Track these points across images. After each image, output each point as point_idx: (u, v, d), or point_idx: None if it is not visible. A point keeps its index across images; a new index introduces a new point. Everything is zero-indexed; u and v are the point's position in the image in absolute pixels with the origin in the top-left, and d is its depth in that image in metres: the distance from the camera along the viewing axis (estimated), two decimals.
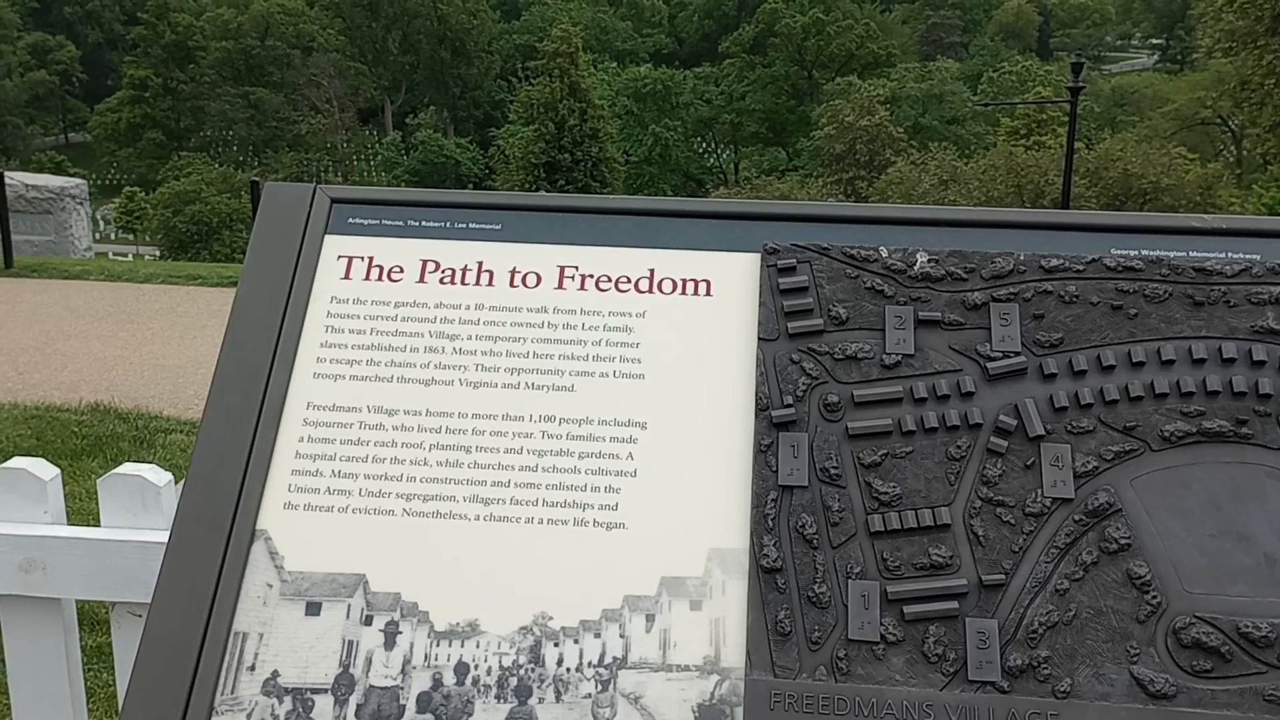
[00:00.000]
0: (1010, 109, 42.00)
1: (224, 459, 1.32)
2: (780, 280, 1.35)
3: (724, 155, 66.39)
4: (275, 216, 1.47)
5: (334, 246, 1.46)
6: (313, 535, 1.29)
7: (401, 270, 1.44)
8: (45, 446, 6.44)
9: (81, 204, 16.50)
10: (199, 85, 64.18)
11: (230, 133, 64.84)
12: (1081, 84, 18.41)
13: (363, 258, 1.45)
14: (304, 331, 1.40)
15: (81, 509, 4.96)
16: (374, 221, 1.47)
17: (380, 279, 1.43)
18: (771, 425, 1.28)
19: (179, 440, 6.96)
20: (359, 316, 1.41)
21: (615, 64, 67.95)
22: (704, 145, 66.35)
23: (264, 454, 1.32)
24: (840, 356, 1.31)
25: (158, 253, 34.16)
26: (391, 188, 1.55)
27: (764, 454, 1.27)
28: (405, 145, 62.63)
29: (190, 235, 31.54)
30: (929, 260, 1.35)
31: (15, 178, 15.36)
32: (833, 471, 1.25)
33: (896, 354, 1.30)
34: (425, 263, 1.44)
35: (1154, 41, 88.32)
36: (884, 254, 1.36)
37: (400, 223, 1.47)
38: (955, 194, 27.17)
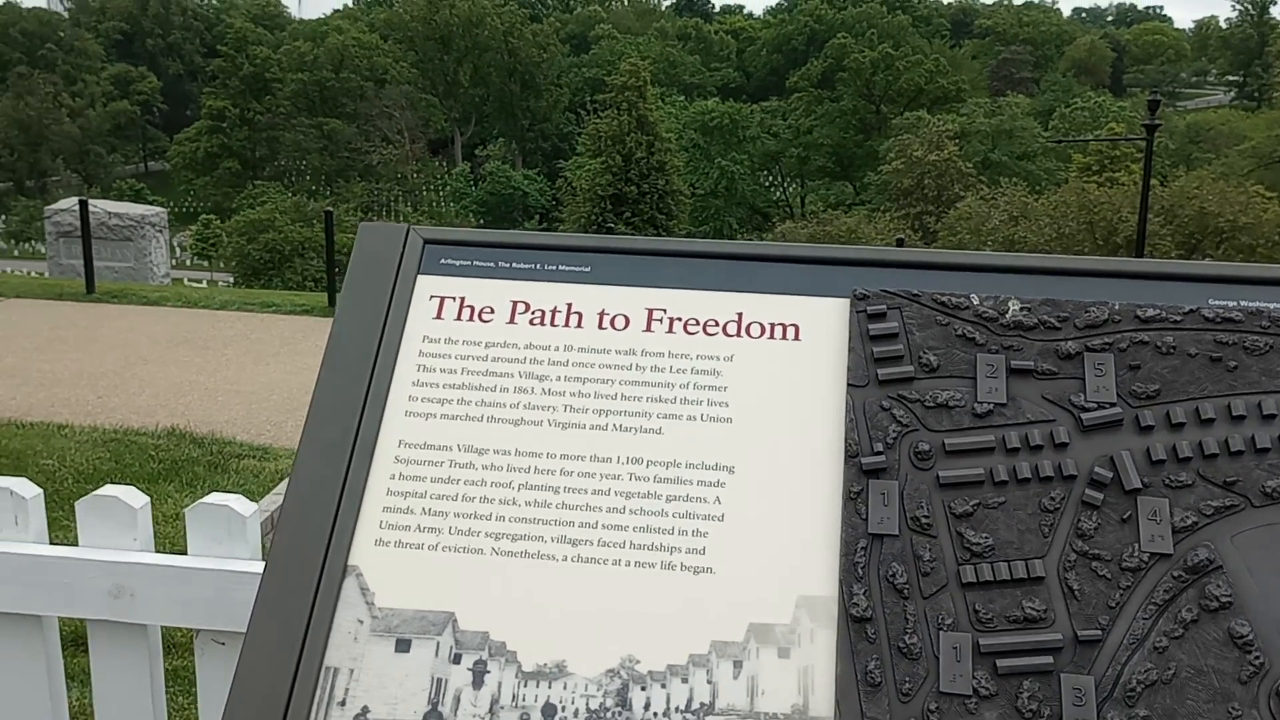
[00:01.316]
0: (1083, 145, 41.51)
1: (318, 495, 1.34)
2: (870, 326, 1.35)
3: (790, 189, 66.36)
4: (370, 256, 1.50)
5: (426, 286, 1.48)
6: (403, 572, 1.30)
7: (492, 311, 1.46)
8: (124, 469, 6.59)
9: (161, 232, 16.93)
10: (275, 116, 65.71)
11: (304, 162, 66.19)
12: (1157, 121, 18.15)
13: (454, 298, 1.47)
14: (396, 370, 1.42)
15: (157, 533, 5.06)
16: (466, 262, 1.50)
17: (471, 319, 1.45)
18: (861, 472, 1.27)
19: (251, 465, 7.08)
20: (450, 356, 1.43)
21: (683, 97, 68.39)
22: (770, 179, 66.38)
23: (356, 491, 1.34)
24: (931, 404, 1.30)
25: (231, 279, 34.87)
26: (483, 229, 1.57)
27: (853, 501, 1.26)
28: (474, 176, 63.50)
29: (263, 262, 32.12)
30: (1021, 308, 1.34)
31: (98, 206, 15.80)
32: (924, 520, 1.24)
33: (988, 403, 1.29)
34: (515, 304, 1.46)
35: (1230, 78, 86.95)
36: (975, 301, 1.35)
37: (491, 264, 1.49)
38: (1026, 230, 26.84)
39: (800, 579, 1.25)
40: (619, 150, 43.84)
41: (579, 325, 1.44)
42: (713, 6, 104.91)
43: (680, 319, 1.43)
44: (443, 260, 1.50)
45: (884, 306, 1.36)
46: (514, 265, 1.49)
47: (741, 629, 1.24)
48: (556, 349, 1.42)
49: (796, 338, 1.40)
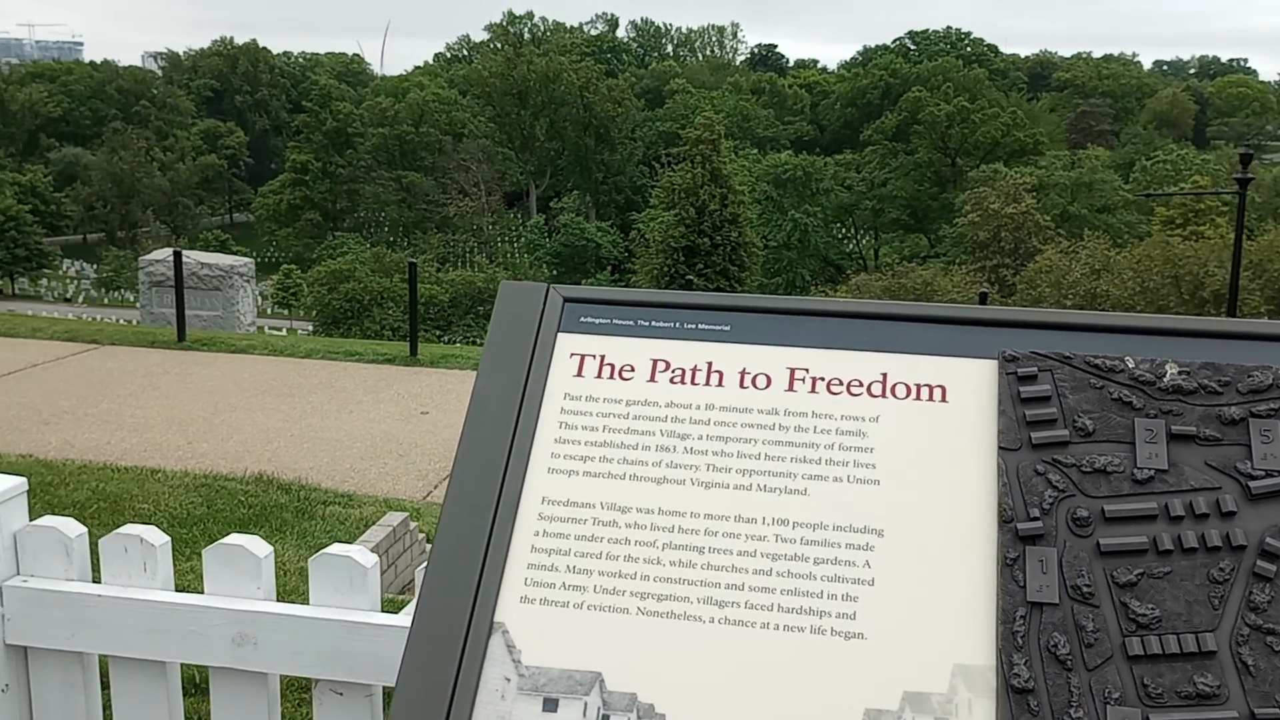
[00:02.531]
0: (1165, 199, 40.85)
1: (463, 550, 1.35)
2: (1021, 388, 1.33)
3: (864, 241, 66.15)
4: (511, 314, 1.52)
5: (567, 344, 1.49)
6: (549, 630, 1.30)
7: (632, 369, 1.46)
8: (216, 515, 6.70)
9: (248, 282, 17.34)
10: (356, 169, 67.29)
11: (382, 214, 67.54)
12: (1249, 175, 17.80)
13: (594, 355, 1.48)
14: (538, 427, 1.43)
15: None
16: (605, 320, 1.51)
17: (612, 377, 1.46)
18: (1017, 538, 1.25)
19: (337, 512, 7.15)
20: (591, 414, 1.44)
21: (756, 151, 68.68)
22: (844, 231, 66.24)
23: (501, 547, 1.35)
24: (1088, 469, 1.27)
25: (310, 327, 35.57)
26: (623, 288, 1.58)
27: (1010, 568, 1.23)
28: (548, 228, 64.24)
29: (343, 312, 32.75)
30: (1180, 372, 1.31)
31: (191, 256, 16.25)
32: (1085, 589, 1.21)
33: (1149, 469, 1.25)
34: (655, 362, 1.46)
35: None
36: (1130, 364, 1.32)
37: (630, 322, 1.50)
38: (1109, 284, 26.39)
39: (955, 646, 1.22)
40: (692, 203, 44.06)
41: (720, 384, 1.43)
42: (786, 61, 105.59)
43: (823, 379, 1.42)
44: (582, 318, 1.51)
45: (1035, 368, 1.34)
46: (653, 324, 1.50)
47: (895, 697, 1.21)
48: (698, 408, 1.42)
49: (943, 399, 1.38)
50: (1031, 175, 51.05)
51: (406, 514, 6.82)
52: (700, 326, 1.49)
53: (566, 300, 1.53)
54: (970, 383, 1.38)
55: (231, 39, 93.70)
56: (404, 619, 1.99)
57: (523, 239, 64.28)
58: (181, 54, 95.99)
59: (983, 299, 12.69)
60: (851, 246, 65.88)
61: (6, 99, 76.89)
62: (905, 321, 1.45)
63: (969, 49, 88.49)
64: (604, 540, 1.35)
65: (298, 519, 6.86)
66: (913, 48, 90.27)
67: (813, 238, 58.92)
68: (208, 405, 9.96)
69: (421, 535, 6.66)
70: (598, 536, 1.35)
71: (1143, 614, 1.18)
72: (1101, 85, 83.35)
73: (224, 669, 2.05)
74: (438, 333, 31.57)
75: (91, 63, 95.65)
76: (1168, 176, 53.21)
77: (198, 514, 6.64)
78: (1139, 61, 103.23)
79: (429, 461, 8.49)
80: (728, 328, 1.48)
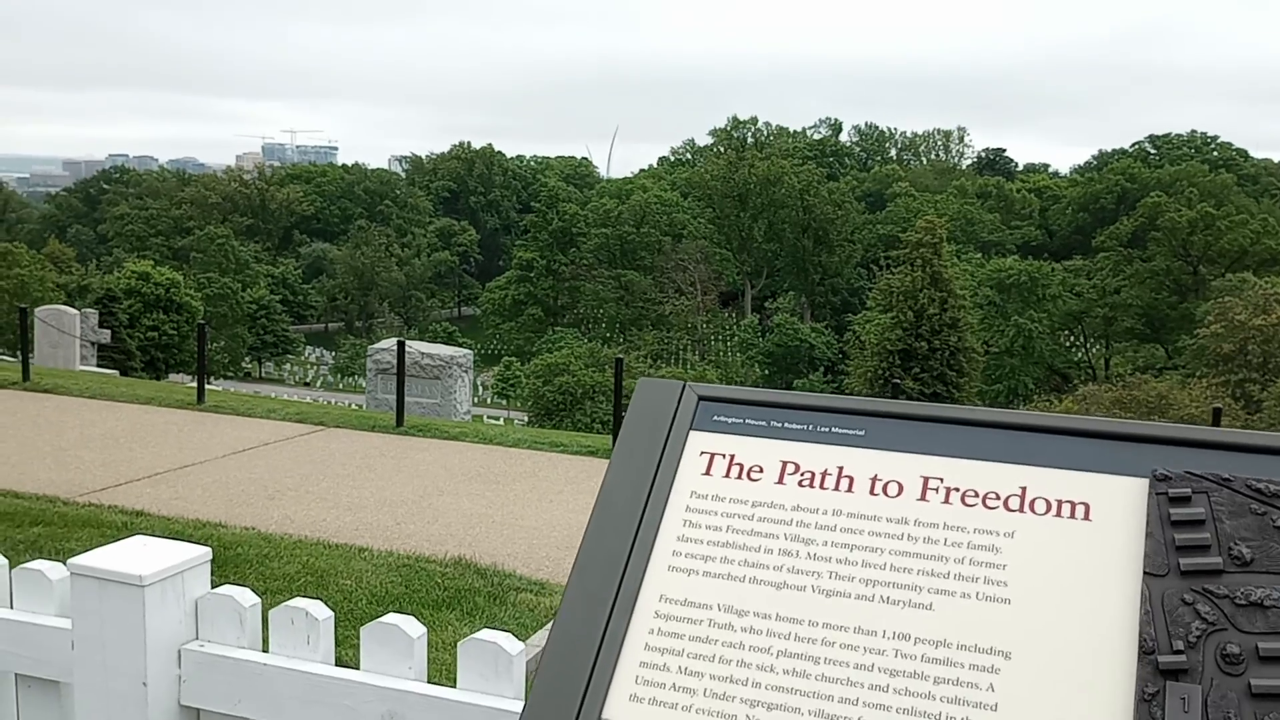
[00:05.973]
0: None
1: (578, 642, 1.35)
2: (1172, 510, 1.23)
3: (1094, 350, 63.33)
4: (646, 410, 1.53)
5: (698, 442, 1.49)
6: None
7: (761, 470, 1.44)
8: (412, 595, 6.92)
9: (466, 372, 18.09)
10: (578, 267, 69.74)
11: (601, 311, 69.49)
12: None
13: (724, 455, 1.47)
14: (663, 524, 1.42)
15: (435, 660, 5.25)
16: (738, 420, 1.49)
17: (740, 477, 1.44)
18: (1158, 671, 1.15)
19: (528, 599, 7.26)
20: (716, 513, 1.42)
21: (980, 254, 67.23)
22: (1071, 339, 63.65)
23: (615, 642, 1.34)
24: (1243, 602, 1.16)
25: (525, 418, 36.70)
26: (756, 388, 1.56)
27: (1147, 703, 1.13)
28: (762, 328, 64.46)
29: (556, 404, 33.69)
30: None
31: (413, 346, 17.11)
32: None
33: None
34: (785, 464, 1.44)
35: None
36: None
37: (763, 422, 1.48)
38: None
39: None
40: (910, 306, 43.43)
41: (849, 490, 1.39)
42: (1015, 165, 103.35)
43: (958, 489, 1.35)
44: (715, 417, 1.51)
45: (1189, 490, 1.24)
46: (786, 425, 1.47)
47: None
48: (825, 513, 1.38)
49: (1086, 517, 1.29)
50: None
51: None
52: (834, 430, 1.45)
53: (701, 399, 1.52)
54: (1117, 502, 1.29)
55: (469, 143, 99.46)
56: None
57: (736, 338, 64.68)
58: (424, 157, 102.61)
59: (1216, 415, 11.88)
60: (1080, 355, 63.20)
61: (267, 198, 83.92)
62: (1050, 434, 1.37)
63: (1215, 153, 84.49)
64: (718, 643, 1.32)
65: (489, 604, 7.00)
66: (1153, 152, 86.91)
67: (1037, 345, 56.91)
68: (418, 488, 10.36)
69: None
70: (712, 639, 1.32)
71: None
72: None
73: None
74: None
75: (344, 165, 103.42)
76: None
77: (396, 593, 6.87)
78: None
79: None
80: (862, 432, 1.44)
